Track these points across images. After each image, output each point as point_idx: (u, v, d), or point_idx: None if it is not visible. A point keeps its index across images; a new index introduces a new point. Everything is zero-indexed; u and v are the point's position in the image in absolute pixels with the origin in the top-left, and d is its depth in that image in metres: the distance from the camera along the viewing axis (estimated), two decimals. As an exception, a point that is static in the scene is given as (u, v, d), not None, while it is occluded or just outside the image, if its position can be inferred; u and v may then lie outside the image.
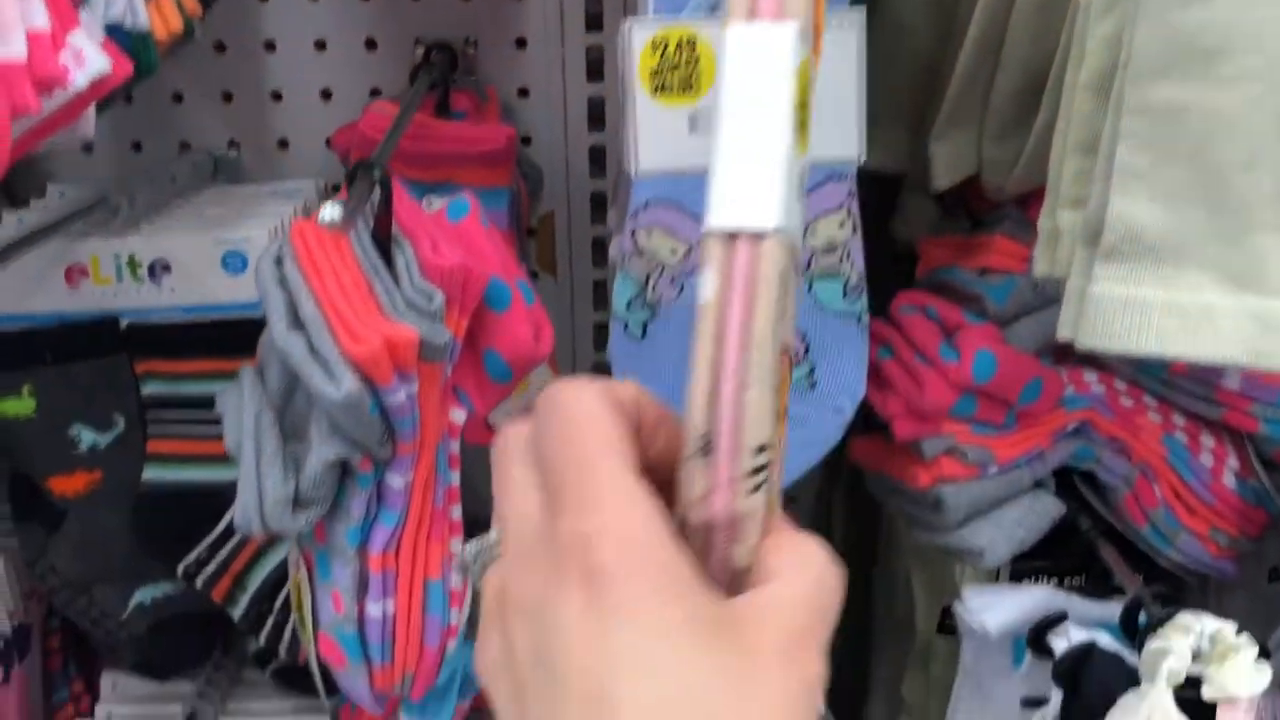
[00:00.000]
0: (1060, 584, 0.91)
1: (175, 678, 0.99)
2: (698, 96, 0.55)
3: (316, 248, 0.65)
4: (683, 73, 0.54)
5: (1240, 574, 0.90)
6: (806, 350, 0.72)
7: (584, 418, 0.34)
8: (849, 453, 0.92)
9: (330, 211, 0.56)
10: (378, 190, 0.65)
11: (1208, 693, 0.68)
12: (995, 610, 0.83)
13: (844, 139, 0.57)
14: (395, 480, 0.68)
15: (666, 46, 0.56)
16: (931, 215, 0.96)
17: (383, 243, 0.67)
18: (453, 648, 0.73)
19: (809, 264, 0.72)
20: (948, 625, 0.97)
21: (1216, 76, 0.51)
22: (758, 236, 0.32)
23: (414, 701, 0.76)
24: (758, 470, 0.33)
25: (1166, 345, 0.53)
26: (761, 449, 0.33)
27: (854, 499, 1.13)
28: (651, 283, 0.68)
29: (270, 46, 1.00)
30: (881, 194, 0.97)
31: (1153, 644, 0.70)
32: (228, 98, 1.01)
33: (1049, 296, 0.85)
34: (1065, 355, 0.87)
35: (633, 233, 0.66)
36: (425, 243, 0.67)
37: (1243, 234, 0.52)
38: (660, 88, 0.54)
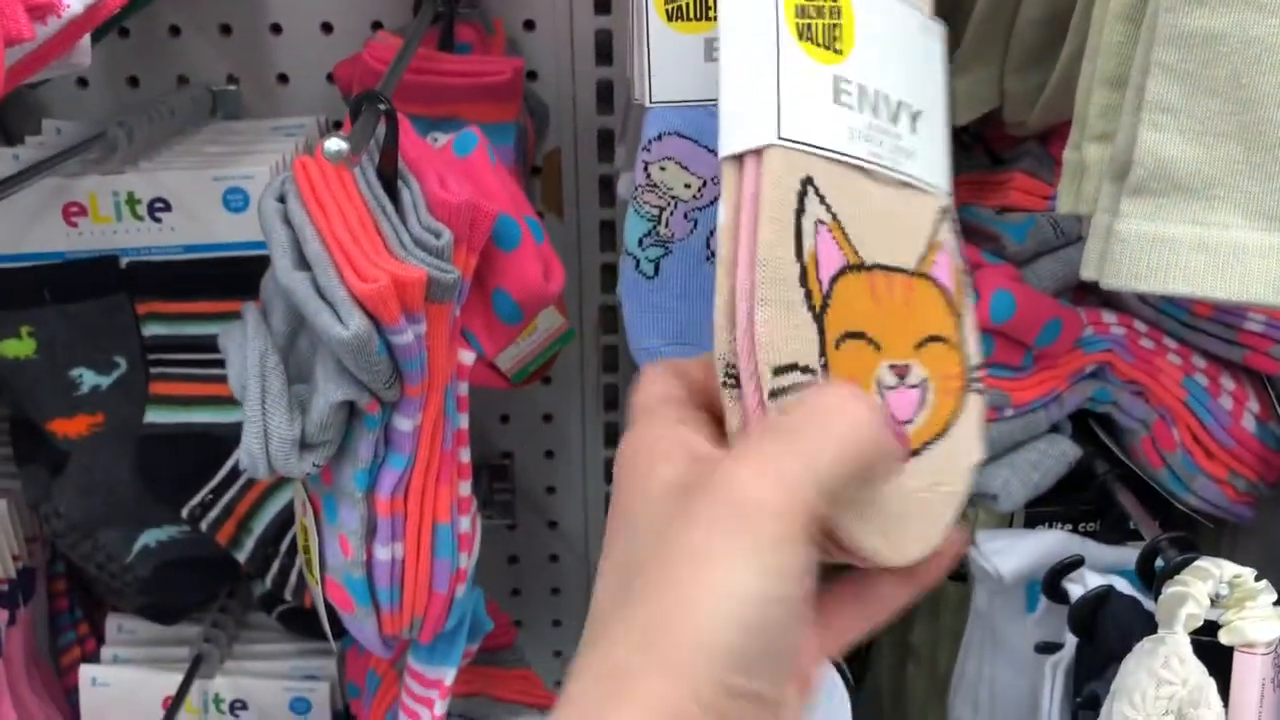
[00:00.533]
0: (1074, 531, 0.90)
1: (181, 621, 0.99)
2: (714, 24, 0.53)
3: (320, 184, 0.63)
4: (699, -4, 0.52)
5: (1257, 520, 0.89)
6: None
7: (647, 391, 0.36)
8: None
9: (335, 144, 0.54)
10: (383, 123, 0.63)
11: (1225, 638, 0.67)
12: (1009, 555, 0.82)
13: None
14: (403, 423, 0.66)
15: (682, -29, 0.54)
16: (948, 153, 0.93)
17: (388, 178, 0.65)
18: (461, 591, 0.72)
19: None
20: (958, 572, 0.96)
21: (1256, 3, 0.48)
22: (758, 153, 0.31)
23: (422, 645, 0.76)
24: (782, 392, 0.31)
25: (1194, 285, 0.51)
26: (788, 369, 0.31)
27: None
28: (664, 218, 0.66)
29: (269, -22, 0.97)
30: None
31: (1170, 589, 0.69)
32: (226, 30, 0.98)
33: (1068, 236, 0.83)
34: (1084, 296, 0.86)
35: (645, 166, 0.64)
36: (432, 178, 0.65)
37: (1278, 170, 0.50)
38: (675, 14, 0.52)
